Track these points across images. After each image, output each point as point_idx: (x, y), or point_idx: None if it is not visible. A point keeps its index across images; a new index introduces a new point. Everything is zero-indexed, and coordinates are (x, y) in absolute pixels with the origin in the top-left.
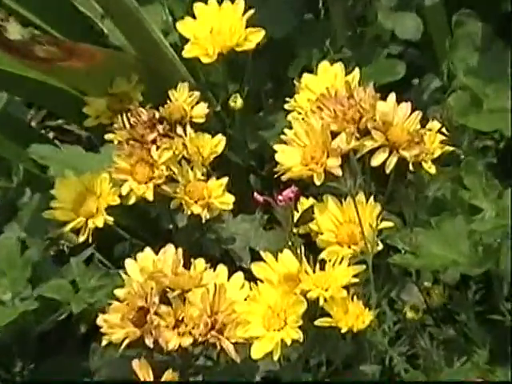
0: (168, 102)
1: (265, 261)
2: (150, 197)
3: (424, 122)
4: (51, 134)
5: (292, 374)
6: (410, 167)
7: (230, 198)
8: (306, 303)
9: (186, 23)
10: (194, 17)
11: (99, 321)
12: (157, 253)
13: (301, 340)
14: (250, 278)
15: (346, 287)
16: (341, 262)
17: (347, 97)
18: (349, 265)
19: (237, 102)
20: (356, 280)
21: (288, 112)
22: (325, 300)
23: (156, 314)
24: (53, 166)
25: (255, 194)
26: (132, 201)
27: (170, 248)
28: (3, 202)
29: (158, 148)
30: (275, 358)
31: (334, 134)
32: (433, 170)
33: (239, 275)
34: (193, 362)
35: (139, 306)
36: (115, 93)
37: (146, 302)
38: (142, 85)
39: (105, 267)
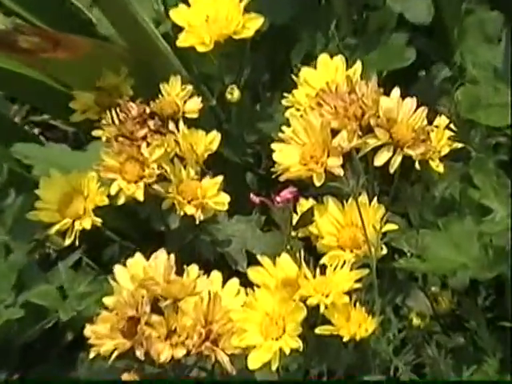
0: (159, 96)
1: (262, 265)
2: (140, 197)
3: (432, 116)
4: (36, 130)
5: None
6: (416, 166)
7: (225, 198)
8: (306, 310)
9: (179, 11)
10: (187, 4)
11: (87, 331)
12: (148, 257)
13: (300, 349)
14: (247, 283)
15: (348, 293)
16: (342, 267)
17: (349, 92)
18: (351, 269)
19: (233, 95)
20: (359, 285)
21: (286, 106)
22: (325, 307)
23: (147, 324)
24: (37, 165)
25: (252, 194)
26: (121, 201)
27: (161, 253)
28: None
29: (148, 145)
30: (273, 368)
31: (335, 132)
32: (440, 168)
33: (234, 281)
34: (186, 374)
35: (129, 315)
36: (103, 86)
37: (136, 311)
38: (131, 78)
39: (93, 271)
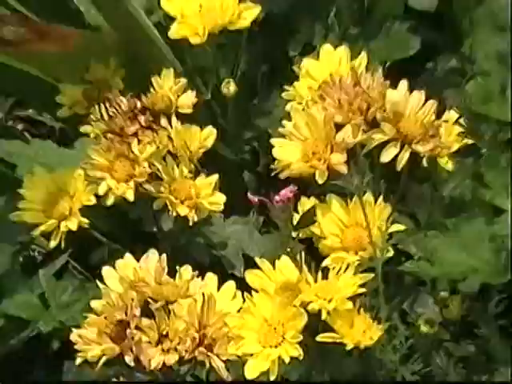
0: (151, 89)
1: (260, 268)
2: (130, 197)
3: (440, 110)
4: (20, 126)
5: None
6: (424, 163)
7: (220, 198)
8: (307, 316)
9: (171, 0)
10: None
11: (73, 336)
12: (138, 259)
13: (301, 358)
14: (244, 287)
15: (352, 298)
16: (346, 270)
17: (353, 84)
18: (355, 273)
19: (230, 89)
20: (363, 290)
21: (286, 100)
22: (328, 313)
23: (137, 328)
24: (21, 163)
25: (249, 193)
26: (110, 201)
27: (152, 254)
28: None
29: (139, 142)
30: (272, 377)
31: (339, 127)
32: (450, 165)
33: (231, 284)
34: (179, 381)
35: (118, 319)
36: (92, 79)
37: (125, 314)
38: (122, 70)
39: (80, 275)
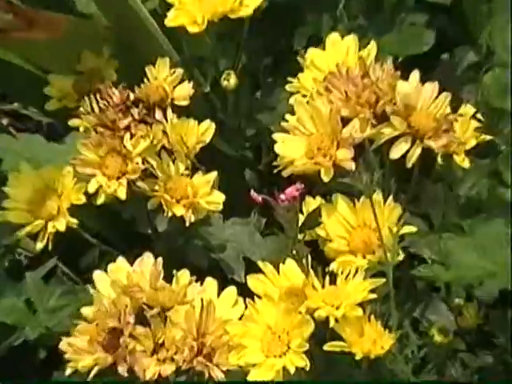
0: (145, 80)
1: (263, 272)
2: (122, 195)
3: (456, 104)
4: (5, 121)
5: None
6: (438, 160)
7: (219, 197)
8: (313, 324)
9: None
10: None
11: (62, 345)
12: (132, 263)
13: (307, 368)
14: (245, 293)
15: (362, 305)
16: (355, 275)
17: (361, 75)
18: (364, 278)
19: (230, 81)
20: (373, 296)
21: (290, 94)
22: (336, 320)
23: (131, 336)
24: (6, 159)
25: (252, 191)
26: (101, 200)
27: (147, 257)
28: None
29: (132, 136)
30: None
31: (346, 121)
32: (466, 163)
33: (231, 290)
34: None
35: (111, 326)
36: (83, 70)
37: (118, 321)
38: (114, 60)
39: (70, 280)
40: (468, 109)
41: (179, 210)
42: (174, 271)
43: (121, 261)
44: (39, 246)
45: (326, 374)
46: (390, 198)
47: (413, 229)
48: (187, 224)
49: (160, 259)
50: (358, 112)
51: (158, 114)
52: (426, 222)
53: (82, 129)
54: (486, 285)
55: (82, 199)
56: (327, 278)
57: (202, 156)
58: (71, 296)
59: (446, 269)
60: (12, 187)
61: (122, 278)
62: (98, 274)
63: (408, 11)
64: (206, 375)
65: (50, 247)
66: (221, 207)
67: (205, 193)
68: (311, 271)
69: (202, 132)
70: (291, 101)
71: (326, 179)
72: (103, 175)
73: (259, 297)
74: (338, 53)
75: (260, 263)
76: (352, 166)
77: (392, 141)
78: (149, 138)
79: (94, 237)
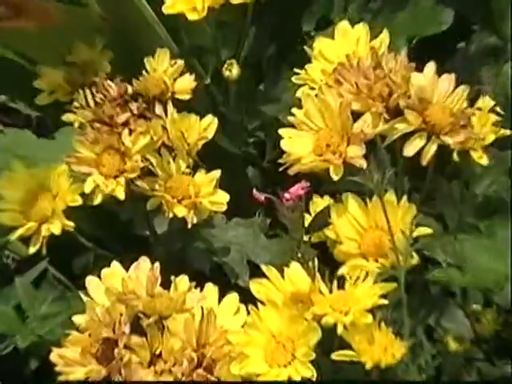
0: (144, 73)
1: (267, 277)
2: (121, 195)
3: (473, 97)
4: None
5: None
6: (455, 157)
7: (223, 197)
8: (320, 331)
9: None
10: None
11: (53, 356)
12: (127, 268)
13: (314, 378)
14: (248, 299)
15: (372, 311)
16: (365, 279)
17: (373, 67)
18: (375, 282)
19: (232, 72)
20: (384, 302)
21: (297, 85)
22: (344, 327)
23: (126, 347)
24: None
25: (254, 190)
26: (98, 200)
27: (144, 262)
28: None
29: (130, 132)
30: None
31: (357, 115)
32: (484, 160)
33: (233, 296)
34: None
35: (104, 336)
36: (76, 61)
37: (113, 331)
38: (109, 51)
39: (61, 286)
40: (486, 101)
41: (181, 211)
42: (172, 277)
43: (116, 265)
44: (32, 250)
45: None
46: (403, 197)
47: (427, 230)
48: (189, 225)
49: (157, 264)
50: (370, 106)
51: (158, 109)
52: (440, 223)
53: (76, 124)
54: (504, 290)
55: (79, 200)
56: (335, 282)
57: (203, 153)
58: (63, 302)
59: (462, 273)
60: (3, 187)
61: (116, 285)
62: (91, 280)
63: None
64: None
65: (43, 251)
66: (224, 207)
67: (208, 192)
68: (318, 275)
69: (204, 127)
70: (298, 94)
71: (335, 178)
72: (100, 174)
73: (262, 303)
74: (348, 42)
75: (263, 267)
76: (363, 163)
77: (406, 137)
78: (148, 135)
79: (89, 240)
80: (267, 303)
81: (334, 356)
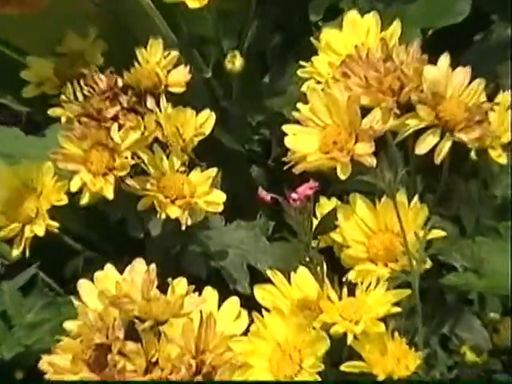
0: (135, 64)
1: (272, 282)
2: (109, 194)
3: (491, 91)
4: None
5: None
6: (471, 155)
7: (219, 197)
8: (329, 341)
9: None
10: None
11: (42, 364)
12: (121, 271)
13: None
14: (247, 306)
15: (384, 319)
16: (376, 286)
17: (383, 59)
18: (387, 289)
19: (235, 64)
20: (397, 310)
21: (303, 79)
22: (355, 337)
23: (120, 353)
24: None
25: (260, 189)
26: (86, 200)
27: (139, 264)
28: None
29: (120, 127)
30: None
31: (366, 110)
32: (503, 159)
33: (234, 300)
34: None
35: (97, 342)
36: (65, 52)
37: (106, 337)
38: (101, 41)
39: (51, 291)
40: (505, 96)
41: (174, 212)
42: (170, 280)
43: (109, 268)
44: (15, 252)
45: None
46: (416, 198)
47: (442, 233)
48: (183, 227)
49: (153, 266)
50: (380, 100)
51: (150, 103)
52: (456, 225)
53: (63, 119)
54: None
55: (64, 199)
56: (345, 288)
57: (200, 150)
58: (53, 309)
59: (479, 277)
60: None
61: (110, 288)
62: (82, 283)
63: None
64: None
65: (27, 254)
66: (221, 208)
67: (203, 192)
68: (326, 281)
69: (200, 123)
70: (304, 88)
71: (343, 177)
72: (88, 172)
73: (267, 310)
74: (356, 33)
75: (269, 272)
76: (372, 161)
77: (418, 133)
78: (139, 130)
79: (79, 242)
80: (272, 310)
81: (344, 367)
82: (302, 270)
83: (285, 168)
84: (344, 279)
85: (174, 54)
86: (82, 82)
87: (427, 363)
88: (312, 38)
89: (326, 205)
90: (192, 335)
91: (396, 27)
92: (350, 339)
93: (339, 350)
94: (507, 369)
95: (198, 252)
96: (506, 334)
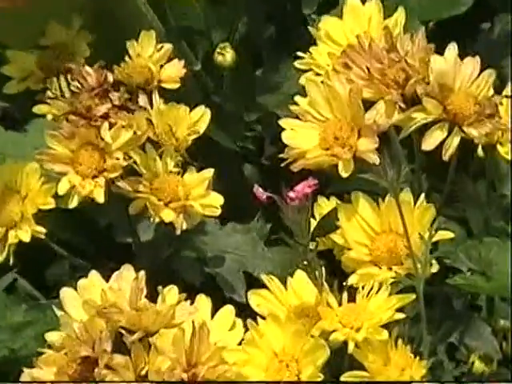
0: (126, 58)
1: (268, 288)
2: (100, 197)
3: (500, 83)
4: None
5: None
6: (480, 152)
7: (216, 200)
8: (329, 349)
9: None
10: None
11: (25, 377)
12: (108, 278)
13: None
14: (244, 315)
15: (387, 326)
16: (378, 290)
17: (387, 49)
18: (390, 294)
19: (226, 56)
20: (401, 316)
21: (300, 71)
22: (356, 345)
23: (108, 367)
24: None
25: (256, 186)
26: (74, 203)
27: (127, 271)
28: None
29: (111, 126)
30: None
31: (369, 104)
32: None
33: (228, 309)
34: None
35: (83, 355)
36: (50, 44)
37: (92, 349)
38: (87, 33)
39: (32, 299)
40: None
41: (168, 215)
42: (160, 288)
43: (93, 275)
44: None
45: None
46: (421, 197)
47: (448, 235)
48: (178, 232)
49: (143, 273)
50: (384, 93)
51: (142, 99)
52: (463, 226)
53: (49, 117)
54: None
55: (51, 203)
56: (344, 294)
57: (195, 149)
58: (37, 312)
59: (487, 280)
60: None
61: (95, 297)
62: (66, 292)
63: None
64: None
65: (11, 260)
66: (218, 212)
67: (199, 194)
68: (326, 286)
69: (194, 120)
70: (302, 80)
71: (344, 175)
72: (76, 173)
73: (263, 317)
74: (358, 22)
75: (264, 277)
76: (376, 158)
77: (424, 128)
78: (131, 129)
79: (63, 247)
80: (268, 317)
81: (344, 377)
82: (299, 274)
83: (282, 165)
84: (344, 284)
85: (168, 46)
86: (69, 77)
87: (433, 373)
88: (309, 27)
89: (325, 205)
90: (184, 347)
91: (400, 15)
92: (350, 347)
93: (339, 359)
94: None
95: (192, 258)
96: None
